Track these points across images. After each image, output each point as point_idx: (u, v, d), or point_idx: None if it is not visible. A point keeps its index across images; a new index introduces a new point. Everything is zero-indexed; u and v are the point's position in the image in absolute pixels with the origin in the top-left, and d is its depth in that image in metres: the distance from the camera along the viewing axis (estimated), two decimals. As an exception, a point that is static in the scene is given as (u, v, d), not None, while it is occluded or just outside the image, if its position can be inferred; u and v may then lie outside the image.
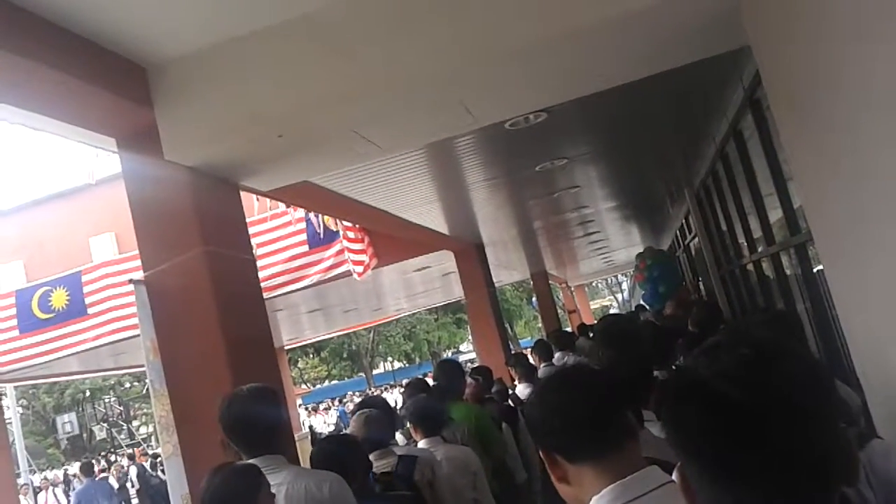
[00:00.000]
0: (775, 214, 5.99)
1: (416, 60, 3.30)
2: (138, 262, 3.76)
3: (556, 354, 7.83)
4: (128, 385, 38.44)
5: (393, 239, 8.98)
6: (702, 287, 12.95)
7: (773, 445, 0.91)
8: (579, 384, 1.60)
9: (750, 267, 7.97)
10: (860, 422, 3.17)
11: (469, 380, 5.65)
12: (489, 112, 4.10)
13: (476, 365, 7.68)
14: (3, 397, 12.19)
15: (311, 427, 22.01)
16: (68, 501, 18.19)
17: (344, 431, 4.39)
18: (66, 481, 20.01)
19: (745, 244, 7.65)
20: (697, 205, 9.81)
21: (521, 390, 6.38)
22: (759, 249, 7.08)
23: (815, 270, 5.27)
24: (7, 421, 12.94)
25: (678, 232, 14.42)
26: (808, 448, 0.92)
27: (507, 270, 15.57)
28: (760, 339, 1.04)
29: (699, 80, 5.08)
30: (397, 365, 44.29)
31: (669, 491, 1.45)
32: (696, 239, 10.84)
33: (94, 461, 24.68)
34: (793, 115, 3.57)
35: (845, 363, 4.68)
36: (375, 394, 30.50)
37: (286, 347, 20.43)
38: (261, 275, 7.78)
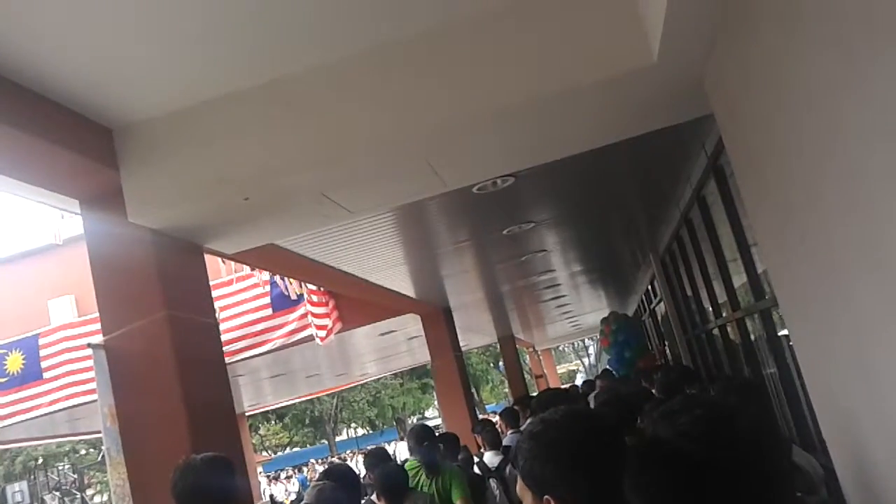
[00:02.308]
0: (739, 279, 6.06)
1: (384, 124, 3.32)
2: (98, 326, 3.66)
3: (528, 422, 7.73)
4: (83, 452, 37.19)
5: (359, 302, 8.90)
6: (668, 352, 13.00)
7: (731, 499, 0.96)
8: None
9: (716, 332, 8.03)
10: (822, 490, 3.14)
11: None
12: (457, 176, 4.12)
13: (442, 432, 7.55)
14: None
15: (271, 496, 21.40)
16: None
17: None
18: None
19: (711, 309, 7.72)
20: (663, 269, 9.92)
21: (489, 458, 6.27)
22: (724, 314, 7.13)
23: (780, 335, 5.31)
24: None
25: (644, 296, 14.54)
26: (761, 500, 0.97)
27: (474, 334, 15.51)
28: (714, 400, 1.11)
29: (663, 147, 5.18)
30: (361, 432, 43.49)
31: None
32: (662, 303, 10.93)
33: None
34: (755, 182, 3.63)
35: (811, 429, 4.69)
36: (338, 461, 29.88)
37: (247, 413, 20.00)
38: (223, 338, 7.67)
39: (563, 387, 15.66)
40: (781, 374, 5.40)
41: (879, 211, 2.32)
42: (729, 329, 7.28)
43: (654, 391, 5.94)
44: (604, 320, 13.28)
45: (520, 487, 1.57)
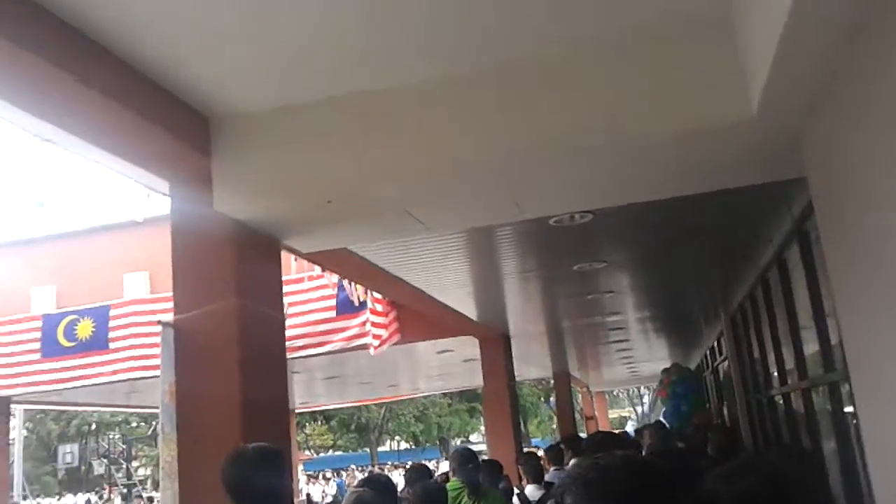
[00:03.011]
0: (810, 348, 5.87)
1: (472, 148, 3.35)
2: (168, 305, 3.78)
3: (572, 461, 7.62)
4: (134, 424, 38.21)
5: (420, 317, 8.94)
6: (725, 412, 12.66)
7: None
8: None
9: (778, 399, 7.78)
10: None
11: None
12: (536, 206, 4.13)
13: (485, 457, 7.51)
14: (12, 418, 12.18)
15: (308, 495, 21.57)
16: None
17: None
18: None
19: (776, 375, 7.50)
20: (732, 328, 9.69)
21: (531, 491, 6.22)
22: (790, 382, 6.92)
23: (845, 411, 5.12)
24: (11, 442, 12.88)
25: (708, 352, 14.21)
26: None
27: (529, 365, 15.38)
28: (776, 466, 1.08)
29: (749, 204, 5.08)
30: (404, 445, 43.54)
31: None
32: (726, 362, 10.66)
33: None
34: (841, 250, 3.53)
35: (870, 513, 4.49)
36: (377, 471, 29.95)
37: (297, 411, 20.24)
38: (287, 334, 7.80)
39: (615, 432, 15.37)
40: (842, 451, 5.19)
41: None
42: (792, 398, 7.05)
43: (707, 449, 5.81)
44: (665, 371, 13.03)
45: None
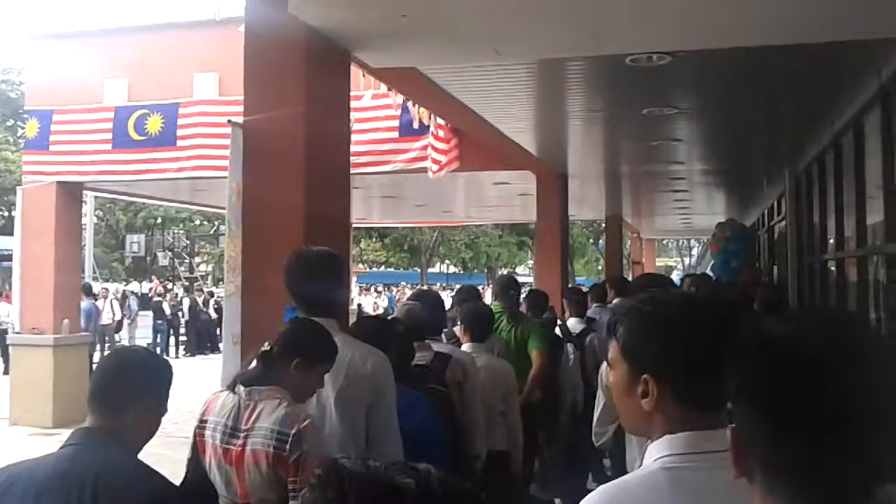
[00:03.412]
0: (874, 218, 5.77)
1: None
2: (235, 108, 3.87)
3: (615, 300, 7.80)
4: (197, 222, 39.84)
5: (480, 147, 8.93)
6: (775, 273, 12.66)
7: (843, 408, 0.90)
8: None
9: (832, 264, 7.75)
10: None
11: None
12: (615, 40, 4.01)
13: (532, 288, 7.72)
14: (84, 204, 12.76)
15: (359, 305, 22.61)
16: (121, 314, 19.21)
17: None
18: (124, 296, 21.07)
19: (834, 241, 7.42)
20: (795, 188, 9.49)
21: (573, 324, 6.42)
22: (846, 249, 6.86)
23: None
24: (82, 227, 13.59)
25: (766, 211, 14.01)
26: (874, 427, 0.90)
27: (583, 206, 15.38)
28: (838, 308, 1.03)
29: (831, 62, 4.84)
30: (452, 269, 44.79)
31: None
32: (783, 223, 10.54)
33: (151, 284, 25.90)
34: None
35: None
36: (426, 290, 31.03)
37: (354, 225, 20.80)
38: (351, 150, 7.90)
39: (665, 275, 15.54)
40: (889, 322, 5.23)
41: None
42: (846, 264, 7.01)
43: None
44: (720, 225, 12.95)
45: (614, 359, 1.51)
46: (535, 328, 5.37)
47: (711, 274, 12.96)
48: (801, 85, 5.77)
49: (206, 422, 2.50)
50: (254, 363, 2.57)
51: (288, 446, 2.31)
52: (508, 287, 5.61)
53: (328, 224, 3.75)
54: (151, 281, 30.30)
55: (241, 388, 2.45)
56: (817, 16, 3.54)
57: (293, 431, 2.32)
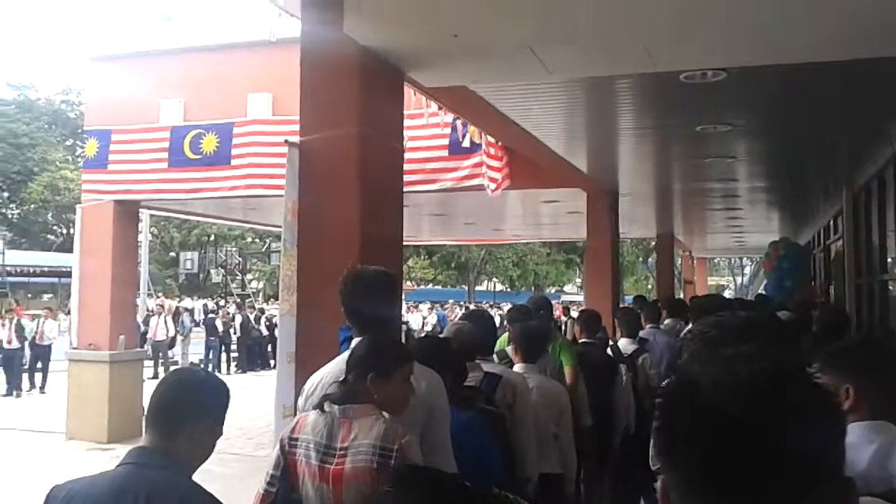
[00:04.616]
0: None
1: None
2: (289, 128, 3.93)
3: (668, 321, 7.69)
4: (249, 240, 40.48)
5: (530, 165, 8.91)
6: (832, 293, 12.35)
7: (769, 469, 0.86)
8: None
9: (891, 285, 7.54)
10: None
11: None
12: (668, 59, 3.97)
13: (584, 308, 7.66)
14: (140, 222, 13.03)
15: (406, 323, 22.68)
16: (175, 330, 19.58)
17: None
18: (177, 313, 21.45)
19: (893, 260, 7.22)
20: (853, 206, 9.27)
21: (624, 345, 6.32)
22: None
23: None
24: (138, 244, 13.88)
25: (822, 230, 13.70)
26: (802, 478, 0.87)
27: (634, 224, 15.24)
28: (780, 357, 0.97)
29: (887, 77, 4.72)
30: (499, 287, 44.69)
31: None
32: (840, 242, 10.29)
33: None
34: None
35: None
36: (473, 307, 31.02)
37: (403, 243, 20.90)
38: (401, 167, 7.95)
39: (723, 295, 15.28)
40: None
41: None
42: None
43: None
44: (773, 244, 12.71)
45: None
46: (564, 346, 5.35)
47: (765, 293, 12.71)
48: (858, 101, 5.65)
49: (296, 440, 2.53)
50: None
51: (392, 462, 2.35)
52: (539, 307, 5.61)
53: (382, 243, 3.78)
54: (204, 298, 30.78)
55: (333, 407, 2.48)
56: (870, 30, 3.47)
57: (396, 447, 2.37)
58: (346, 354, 2.69)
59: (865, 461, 1.88)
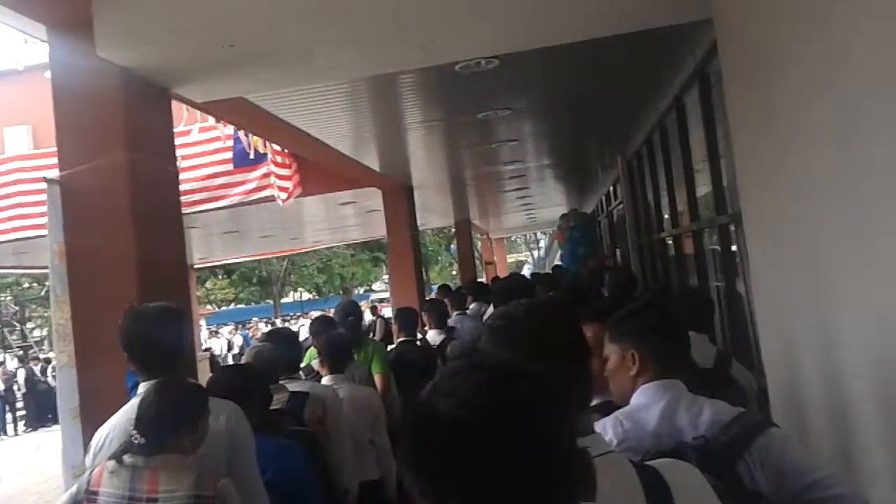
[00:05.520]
0: (703, 191, 6.09)
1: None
2: (54, 160, 3.54)
3: (472, 305, 7.85)
4: (26, 285, 36.99)
5: (321, 170, 8.76)
6: (618, 255, 13.22)
7: (509, 471, 0.91)
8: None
9: (669, 241, 8.14)
10: (752, 406, 3.26)
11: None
12: (444, 51, 3.98)
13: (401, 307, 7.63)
14: None
15: (209, 349, 21.65)
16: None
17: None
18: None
19: (669, 218, 7.79)
20: (628, 172, 9.92)
21: (433, 336, 6.37)
22: (682, 224, 7.20)
23: (732, 249, 5.38)
24: None
25: (604, 197, 14.62)
26: (541, 470, 0.93)
27: (432, 214, 15.51)
28: (497, 362, 1.04)
29: (651, 49, 5.06)
30: (307, 296, 43.98)
31: (611, 461, 1.42)
32: (621, 206, 11.00)
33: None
34: (744, 92, 3.58)
35: (752, 346, 4.83)
36: (281, 323, 30.34)
37: (196, 266, 19.97)
38: (182, 188, 7.50)
39: (521, 273, 15.92)
40: (728, 289, 5.50)
41: (866, 144, 2.30)
42: (684, 239, 7.37)
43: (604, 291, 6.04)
44: (563, 216, 13.38)
45: None
46: (377, 349, 5.35)
47: (561, 263, 13.39)
48: (625, 75, 5.99)
49: (95, 493, 2.39)
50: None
51: None
52: (347, 314, 5.55)
53: (165, 274, 3.51)
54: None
55: (136, 458, 2.36)
56: (627, 7, 3.66)
57: (211, 493, 2.33)
58: (135, 402, 2.50)
59: (655, 419, 1.98)
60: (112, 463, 2.39)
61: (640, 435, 1.94)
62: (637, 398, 2.03)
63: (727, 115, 3.82)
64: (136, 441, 2.38)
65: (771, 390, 3.76)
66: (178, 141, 7.30)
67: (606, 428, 1.96)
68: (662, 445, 1.89)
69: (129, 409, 2.54)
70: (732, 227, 5.05)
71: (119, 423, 2.59)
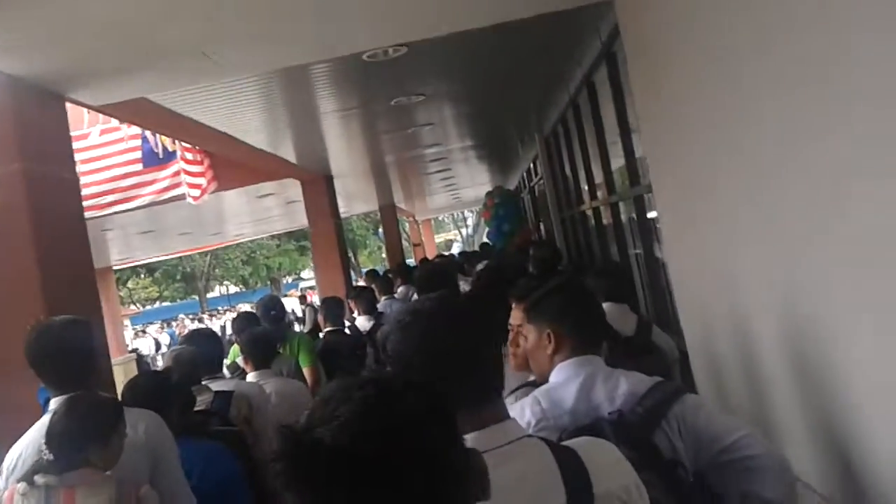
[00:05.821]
0: (617, 164, 6.21)
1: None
2: (-58, 174, 3.36)
3: (400, 289, 7.84)
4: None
5: (236, 164, 8.56)
6: (542, 229, 13.38)
7: (398, 488, 0.90)
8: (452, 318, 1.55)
9: (589, 213, 8.28)
10: (675, 372, 3.35)
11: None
12: (346, 42, 3.92)
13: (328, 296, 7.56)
14: None
15: (136, 350, 21.10)
16: None
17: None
18: None
19: (587, 191, 7.92)
20: (546, 149, 10.03)
21: (362, 322, 6.33)
22: (600, 197, 7.34)
23: (649, 217, 5.51)
24: None
25: (525, 174, 14.76)
26: (432, 483, 0.92)
27: (356, 201, 15.40)
28: (376, 379, 1.01)
29: (560, 31, 5.09)
30: (233, 289, 43.22)
31: (526, 445, 1.43)
32: (542, 182, 11.12)
33: None
34: (645, 68, 3.65)
35: (669, 310, 4.97)
36: (208, 318, 29.81)
37: (115, 267, 19.40)
38: (88, 192, 7.22)
39: (444, 254, 15.97)
40: (647, 256, 5.64)
41: (759, 116, 2.38)
42: (602, 210, 7.52)
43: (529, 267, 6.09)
44: (488, 194, 13.43)
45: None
46: (303, 341, 5.32)
47: (488, 241, 13.47)
48: (537, 56, 6.02)
49: None
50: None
51: None
52: (268, 309, 5.49)
53: (71, 283, 3.40)
54: None
55: (48, 477, 2.26)
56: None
57: None
58: (46, 419, 2.42)
59: (572, 396, 2.00)
60: (23, 485, 2.29)
61: (557, 413, 1.96)
62: (554, 376, 2.05)
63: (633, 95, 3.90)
64: (46, 459, 2.29)
65: (690, 354, 3.88)
66: (78, 144, 7.05)
67: (525, 408, 1.98)
68: (580, 422, 1.91)
69: (41, 427, 2.44)
70: (648, 196, 5.17)
71: (31, 441, 2.51)
